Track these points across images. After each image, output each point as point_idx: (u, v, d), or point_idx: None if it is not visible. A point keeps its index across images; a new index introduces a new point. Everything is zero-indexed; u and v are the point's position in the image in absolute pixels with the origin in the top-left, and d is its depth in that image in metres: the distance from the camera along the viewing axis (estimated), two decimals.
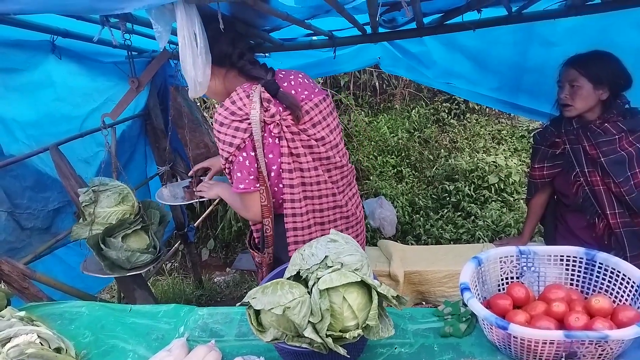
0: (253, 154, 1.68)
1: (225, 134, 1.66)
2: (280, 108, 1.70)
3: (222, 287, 4.22)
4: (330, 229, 1.78)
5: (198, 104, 4.80)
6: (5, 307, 1.50)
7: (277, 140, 1.70)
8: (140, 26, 1.93)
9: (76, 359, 1.38)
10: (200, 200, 2.15)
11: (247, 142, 1.67)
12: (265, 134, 1.68)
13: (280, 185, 1.76)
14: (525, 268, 1.52)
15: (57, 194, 2.40)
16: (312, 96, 1.80)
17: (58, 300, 1.85)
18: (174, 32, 1.45)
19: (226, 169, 1.77)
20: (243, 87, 1.71)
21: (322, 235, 1.77)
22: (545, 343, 1.17)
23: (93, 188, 2.14)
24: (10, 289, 1.86)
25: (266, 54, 2.76)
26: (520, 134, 5.77)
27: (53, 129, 2.35)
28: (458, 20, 2.12)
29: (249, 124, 1.65)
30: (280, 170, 1.73)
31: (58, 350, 1.36)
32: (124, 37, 1.91)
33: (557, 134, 2.11)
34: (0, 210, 2.10)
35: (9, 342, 1.28)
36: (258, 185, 1.72)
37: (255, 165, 1.70)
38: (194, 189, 2.18)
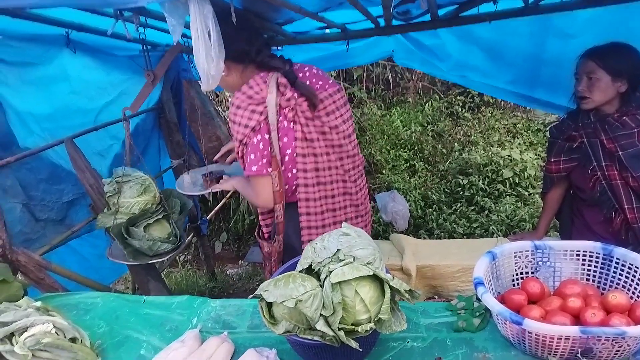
0: (267, 136, 1.70)
1: (242, 116, 1.70)
2: (295, 94, 1.73)
3: (235, 280, 4.24)
4: (341, 215, 1.86)
5: (210, 97, 4.81)
6: (22, 298, 1.52)
7: (291, 125, 1.73)
8: (154, 19, 1.94)
9: (91, 348, 1.40)
10: (216, 190, 2.17)
11: (262, 125, 1.70)
12: (280, 118, 1.71)
13: (294, 171, 1.78)
14: (540, 263, 1.50)
15: (71, 187, 2.43)
16: (327, 87, 1.83)
17: (73, 291, 1.88)
18: (187, 26, 1.44)
19: (239, 152, 1.79)
20: (260, 75, 1.75)
21: (333, 221, 1.83)
22: (561, 339, 1.15)
23: (117, 179, 2.20)
24: (26, 279, 1.89)
25: (279, 47, 2.75)
26: (536, 128, 5.69)
27: (68, 122, 2.37)
28: (473, 12, 2.10)
29: (265, 107, 1.68)
30: (295, 154, 1.75)
31: (73, 340, 1.37)
32: (137, 30, 1.92)
33: (574, 127, 2.07)
34: (16, 202, 2.13)
35: (25, 331, 1.30)
36: (270, 169, 1.74)
37: (269, 149, 1.72)
38: (210, 184, 2.19)
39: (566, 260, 1.48)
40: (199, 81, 1.68)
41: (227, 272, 4.41)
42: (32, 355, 1.26)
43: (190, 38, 1.44)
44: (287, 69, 1.75)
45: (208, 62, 1.49)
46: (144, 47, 2.16)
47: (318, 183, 1.81)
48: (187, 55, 2.96)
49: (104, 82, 2.58)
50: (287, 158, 1.75)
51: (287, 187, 1.81)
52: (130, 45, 2.43)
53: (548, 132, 2.29)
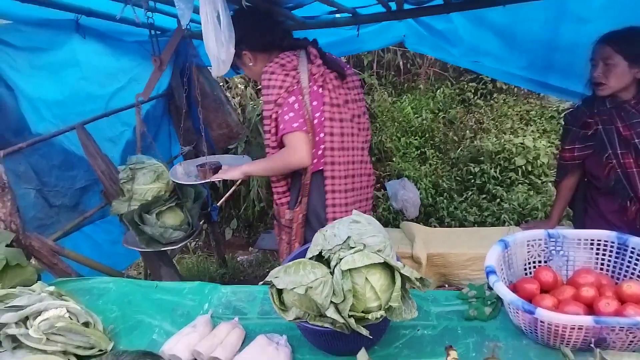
0: (301, 98, 1.81)
1: (276, 79, 1.82)
2: (324, 65, 1.87)
3: (245, 266, 4.27)
4: (357, 182, 1.99)
5: (221, 84, 4.79)
6: (36, 282, 1.54)
7: (320, 90, 1.83)
8: (163, 4, 1.92)
9: (104, 333, 1.42)
10: (216, 180, 2.15)
11: (295, 87, 1.81)
12: (311, 83, 1.82)
13: (322, 135, 1.86)
14: (553, 252, 1.48)
15: (83, 173, 2.44)
16: (346, 68, 1.98)
17: (86, 276, 1.89)
18: (197, 11, 1.43)
19: (272, 115, 1.86)
20: (290, 51, 1.89)
21: (352, 187, 1.97)
22: (574, 328, 1.14)
23: (130, 166, 2.22)
24: (40, 264, 1.92)
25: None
26: (549, 115, 5.59)
27: (78, 108, 2.38)
28: None
29: (297, 72, 1.82)
30: (323, 118, 1.84)
31: (86, 324, 1.39)
32: (146, 15, 1.91)
33: (589, 114, 2.03)
34: (29, 187, 2.15)
35: (39, 315, 1.32)
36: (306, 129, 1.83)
37: (304, 110, 1.81)
38: (207, 174, 2.17)
39: (580, 249, 1.46)
40: (208, 67, 1.68)
41: (238, 258, 4.43)
42: (47, 338, 1.28)
43: (200, 23, 1.42)
44: (316, 45, 1.90)
45: (218, 47, 1.48)
46: (153, 33, 2.15)
47: (342, 148, 1.90)
48: (195, 40, 2.93)
49: (114, 68, 2.58)
50: (315, 121, 1.84)
51: (313, 151, 1.88)
52: (140, 30, 2.42)
53: (563, 119, 2.25)
